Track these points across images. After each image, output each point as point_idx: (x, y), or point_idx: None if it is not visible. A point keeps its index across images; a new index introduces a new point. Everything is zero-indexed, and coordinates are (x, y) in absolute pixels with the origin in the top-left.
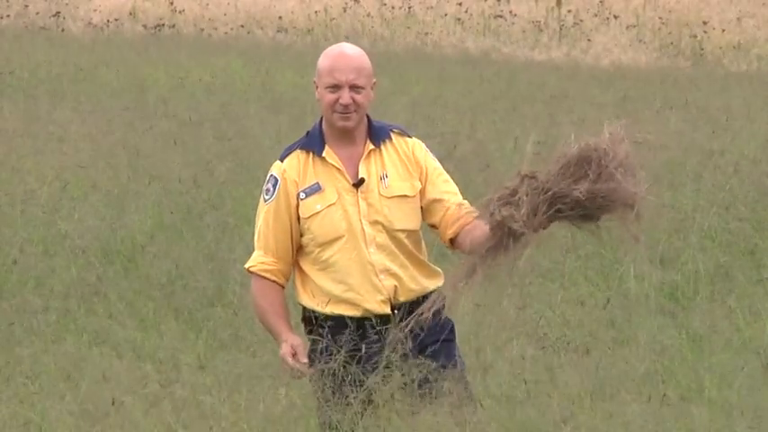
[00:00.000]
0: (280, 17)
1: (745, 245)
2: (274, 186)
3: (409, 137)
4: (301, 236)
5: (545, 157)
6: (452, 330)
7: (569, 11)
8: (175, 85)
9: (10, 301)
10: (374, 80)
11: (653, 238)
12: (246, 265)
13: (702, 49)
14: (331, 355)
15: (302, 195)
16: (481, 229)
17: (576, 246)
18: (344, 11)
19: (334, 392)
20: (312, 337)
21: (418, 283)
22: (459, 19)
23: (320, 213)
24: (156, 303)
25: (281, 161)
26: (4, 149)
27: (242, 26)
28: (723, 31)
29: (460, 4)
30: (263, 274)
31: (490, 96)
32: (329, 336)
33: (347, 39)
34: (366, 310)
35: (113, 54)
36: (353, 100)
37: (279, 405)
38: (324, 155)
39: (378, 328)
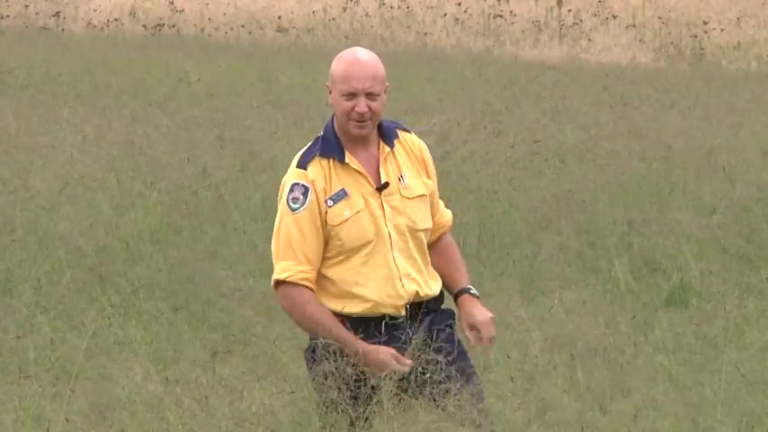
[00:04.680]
0: (279, 17)
1: (742, 247)
2: (305, 195)
3: (410, 132)
4: (326, 243)
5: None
6: (454, 318)
7: (569, 10)
8: (175, 85)
9: (11, 301)
10: (387, 84)
11: (651, 239)
12: (279, 276)
13: (702, 49)
14: (336, 354)
15: (330, 203)
16: (444, 268)
17: (573, 248)
18: (344, 11)
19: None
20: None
21: (430, 287)
22: (458, 19)
23: (349, 220)
24: (157, 303)
25: (303, 168)
26: (3, 149)
27: (242, 26)
28: (723, 31)
29: (460, 3)
30: (304, 282)
31: (490, 96)
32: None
33: (347, 39)
34: (383, 313)
35: (113, 54)
36: (369, 108)
37: (281, 405)
38: (346, 161)
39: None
